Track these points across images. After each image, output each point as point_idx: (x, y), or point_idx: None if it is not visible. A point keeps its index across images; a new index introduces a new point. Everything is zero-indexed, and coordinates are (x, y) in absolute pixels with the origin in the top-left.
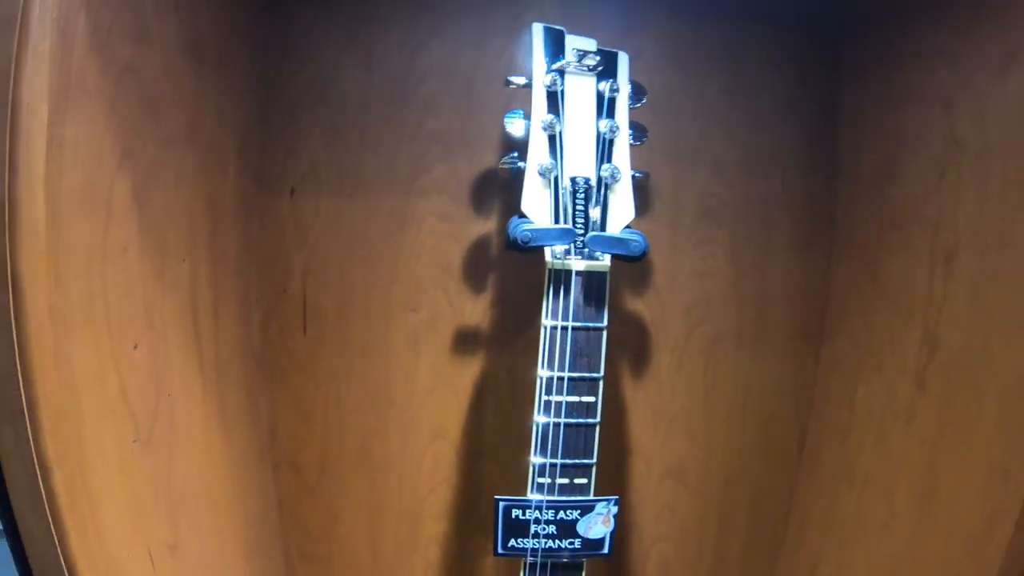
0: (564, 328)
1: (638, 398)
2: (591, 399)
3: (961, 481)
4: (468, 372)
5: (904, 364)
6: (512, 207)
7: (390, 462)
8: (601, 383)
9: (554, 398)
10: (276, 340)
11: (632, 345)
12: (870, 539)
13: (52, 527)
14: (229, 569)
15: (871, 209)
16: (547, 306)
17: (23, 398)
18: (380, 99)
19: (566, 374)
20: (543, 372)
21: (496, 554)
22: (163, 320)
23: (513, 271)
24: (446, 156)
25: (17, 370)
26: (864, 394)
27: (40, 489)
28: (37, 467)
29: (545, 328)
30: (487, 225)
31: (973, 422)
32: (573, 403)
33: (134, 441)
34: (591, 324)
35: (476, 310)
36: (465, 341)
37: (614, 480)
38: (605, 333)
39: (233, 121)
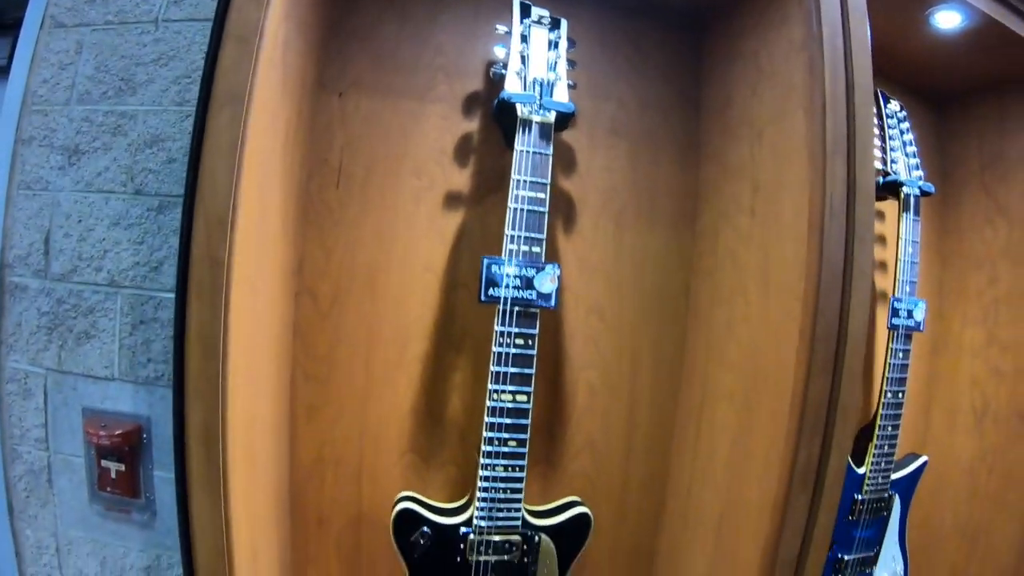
0: (527, 152)
1: (568, 249)
2: (543, 195)
3: (782, 267)
4: (452, 222)
5: (742, 206)
6: (487, 115)
7: (389, 292)
8: (548, 187)
9: (521, 192)
10: (315, 193)
11: (564, 213)
12: (737, 332)
13: None
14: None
15: (719, 128)
16: (518, 139)
17: None
18: (407, 41)
19: (528, 178)
20: (516, 177)
21: (480, 301)
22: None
23: (487, 156)
24: (448, 80)
25: None
26: (722, 239)
27: None
28: None
29: (517, 152)
30: (472, 124)
31: (783, 228)
32: (531, 197)
33: None
34: (543, 151)
35: (461, 179)
36: (451, 201)
37: (553, 314)
38: (551, 158)
39: (309, 49)
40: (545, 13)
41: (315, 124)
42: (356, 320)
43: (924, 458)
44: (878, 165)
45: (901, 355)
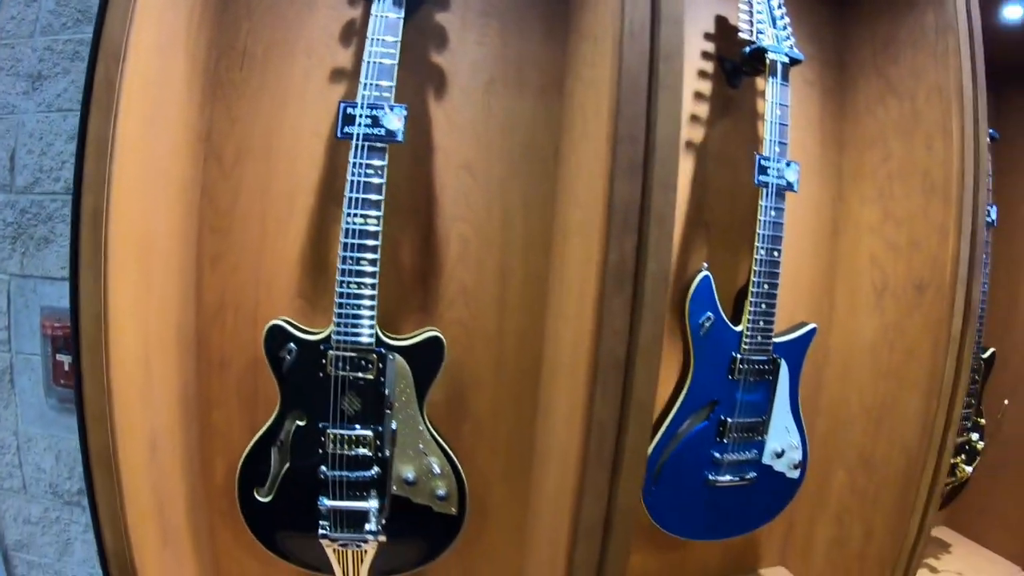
0: (379, 16)
1: (439, 114)
2: (392, 50)
3: (601, 100)
4: (337, 92)
5: (596, 61)
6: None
7: (282, 154)
8: (398, 43)
9: (374, 48)
10: (223, 73)
11: (435, 84)
12: (582, 169)
13: None
14: None
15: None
16: (374, 5)
17: None
18: None
19: (380, 36)
20: (370, 35)
21: (337, 138)
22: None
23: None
24: None
25: None
26: (576, 95)
27: None
28: None
29: (372, 16)
30: (355, 12)
31: (607, 69)
32: (382, 52)
33: None
34: (394, 13)
35: (344, 57)
36: (336, 75)
37: (425, 169)
38: (401, 20)
39: None
40: None
41: (224, 15)
42: (254, 179)
43: (812, 325)
44: (744, 36)
45: (773, 213)
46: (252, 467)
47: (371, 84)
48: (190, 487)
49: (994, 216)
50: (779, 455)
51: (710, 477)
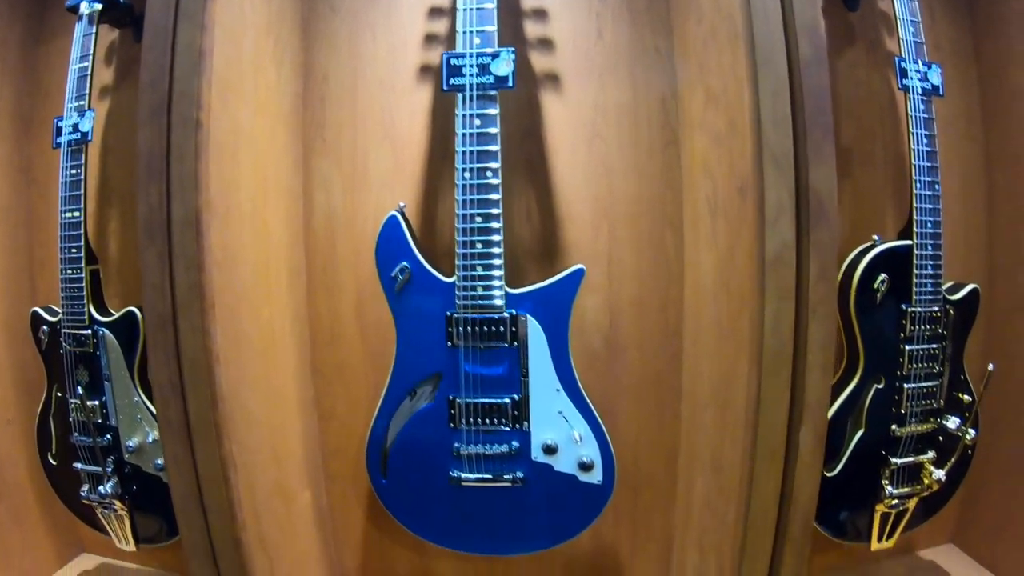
0: None
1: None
2: None
3: None
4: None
5: None
6: None
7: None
8: None
9: None
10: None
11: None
12: None
13: None
14: None
15: None
16: None
17: None
18: None
19: None
20: None
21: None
22: None
23: None
24: None
25: None
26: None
27: None
28: None
29: None
30: None
31: None
32: None
33: None
34: None
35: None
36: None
37: None
38: None
39: None
40: None
41: None
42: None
43: (577, 266)
44: None
45: None
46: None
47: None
48: None
49: (938, 80)
50: (551, 450)
51: (452, 474)
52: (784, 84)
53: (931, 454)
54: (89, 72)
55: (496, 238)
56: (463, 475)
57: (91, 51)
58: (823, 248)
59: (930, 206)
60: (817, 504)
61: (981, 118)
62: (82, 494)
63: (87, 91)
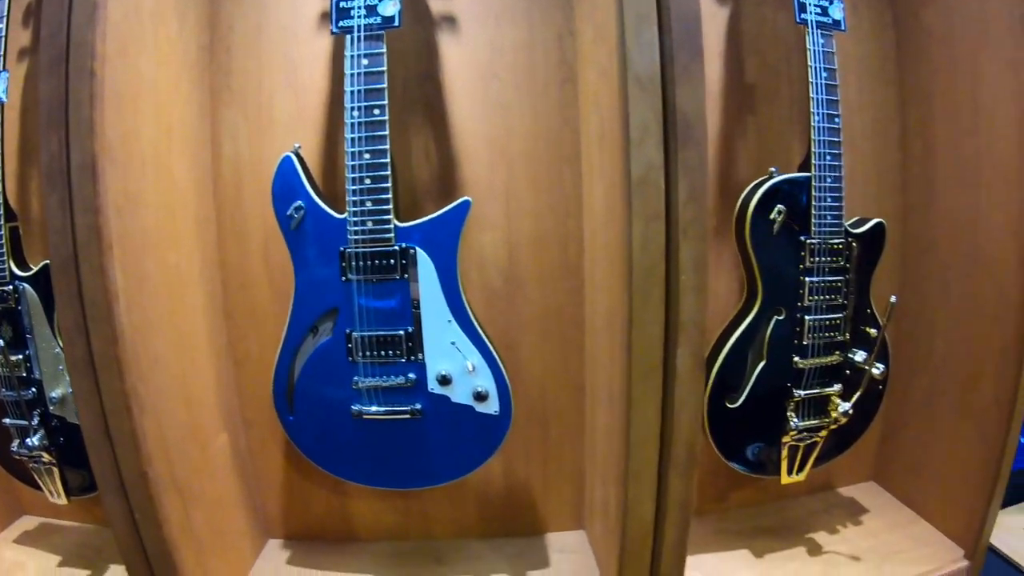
0: None
1: None
2: None
3: None
4: None
5: None
6: None
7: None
8: None
9: None
10: None
11: None
12: None
13: None
14: None
15: None
16: None
17: None
18: None
19: None
20: None
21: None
22: None
23: None
24: None
25: None
26: None
27: None
28: None
29: None
30: None
31: None
32: None
33: None
34: None
35: None
36: None
37: None
38: None
39: None
40: None
41: None
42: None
43: (464, 199)
44: None
45: None
46: None
47: None
48: None
49: (839, 15)
50: (446, 381)
51: (354, 407)
52: (651, 7)
53: (837, 387)
54: (3, 34)
55: (384, 173)
56: (364, 408)
57: (5, 13)
58: (692, 169)
59: (829, 139)
60: (724, 439)
61: (896, 58)
62: (12, 449)
63: (2, 52)
